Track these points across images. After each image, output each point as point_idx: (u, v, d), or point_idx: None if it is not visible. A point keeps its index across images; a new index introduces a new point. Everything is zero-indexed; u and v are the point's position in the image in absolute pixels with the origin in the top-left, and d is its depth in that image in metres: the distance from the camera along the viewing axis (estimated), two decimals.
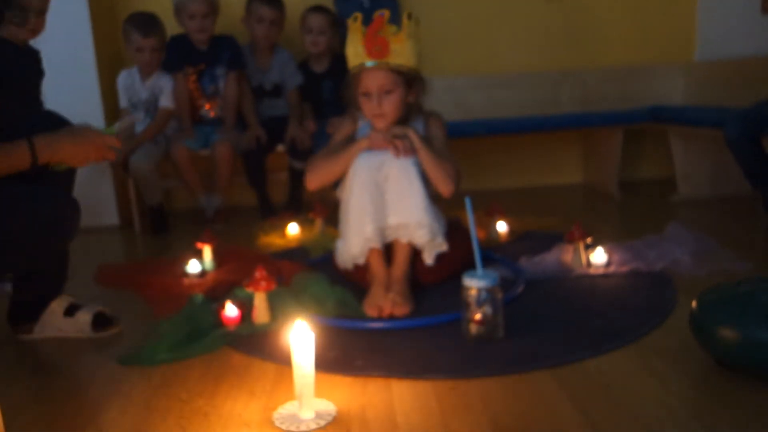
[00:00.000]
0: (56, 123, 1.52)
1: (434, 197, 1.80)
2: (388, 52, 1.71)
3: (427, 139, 1.80)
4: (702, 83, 3.41)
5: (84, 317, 1.63)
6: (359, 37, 1.73)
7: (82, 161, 1.45)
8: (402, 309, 1.64)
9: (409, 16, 1.72)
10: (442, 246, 1.79)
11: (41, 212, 1.35)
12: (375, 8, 3.21)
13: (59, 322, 1.63)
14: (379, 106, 1.76)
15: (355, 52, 1.76)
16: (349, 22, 1.75)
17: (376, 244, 1.75)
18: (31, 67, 1.74)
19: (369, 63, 1.73)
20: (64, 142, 1.41)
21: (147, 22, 2.90)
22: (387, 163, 1.73)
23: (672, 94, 3.50)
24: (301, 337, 1.12)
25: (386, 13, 1.70)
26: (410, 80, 1.79)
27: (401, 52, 1.72)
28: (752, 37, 3.07)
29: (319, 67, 3.10)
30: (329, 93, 3.05)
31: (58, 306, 1.64)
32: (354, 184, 1.75)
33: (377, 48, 1.71)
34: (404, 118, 1.83)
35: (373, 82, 1.75)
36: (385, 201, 1.75)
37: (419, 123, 1.87)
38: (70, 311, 1.64)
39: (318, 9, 3.03)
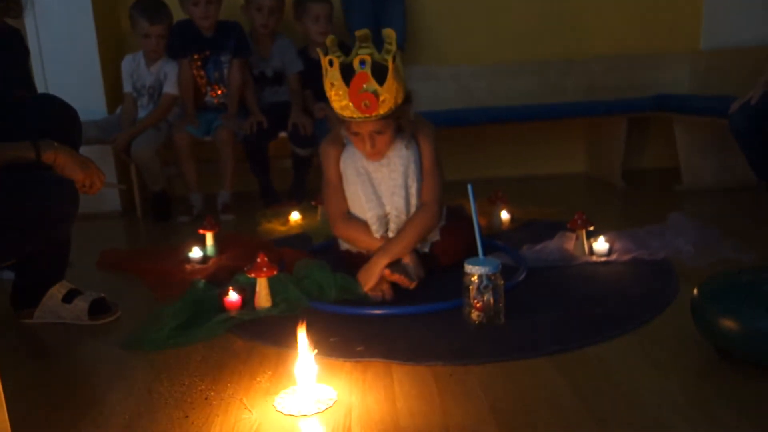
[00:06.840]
0: (54, 104, 1.53)
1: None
2: (378, 106, 1.58)
3: (413, 156, 1.74)
4: (707, 72, 3.39)
5: (81, 304, 1.63)
6: (341, 85, 1.57)
7: (76, 171, 1.46)
8: (408, 282, 1.67)
9: (394, 58, 1.55)
10: (434, 236, 1.84)
11: (39, 197, 1.34)
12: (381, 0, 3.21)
13: (58, 308, 1.64)
14: (372, 147, 1.68)
15: (341, 104, 1.60)
16: (324, 64, 1.59)
17: (381, 233, 1.76)
18: (18, 45, 1.76)
19: (358, 118, 1.62)
20: (67, 150, 1.45)
21: (154, 9, 2.89)
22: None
23: (677, 83, 3.48)
24: (302, 323, 1.13)
25: (367, 62, 1.53)
26: (401, 108, 1.67)
27: (390, 98, 1.59)
28: (758, 25, 3.05)
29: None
30: None
31: (57, 292, 1.64)
32: (348, 179, 1.78)
33: (365, 104, 1.57)
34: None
35: (363, 128, 1.65)
36: (377, 190, 1.76)
37: (412, 146, 1.76)
38: (69, 297, 1.64)
39: None
